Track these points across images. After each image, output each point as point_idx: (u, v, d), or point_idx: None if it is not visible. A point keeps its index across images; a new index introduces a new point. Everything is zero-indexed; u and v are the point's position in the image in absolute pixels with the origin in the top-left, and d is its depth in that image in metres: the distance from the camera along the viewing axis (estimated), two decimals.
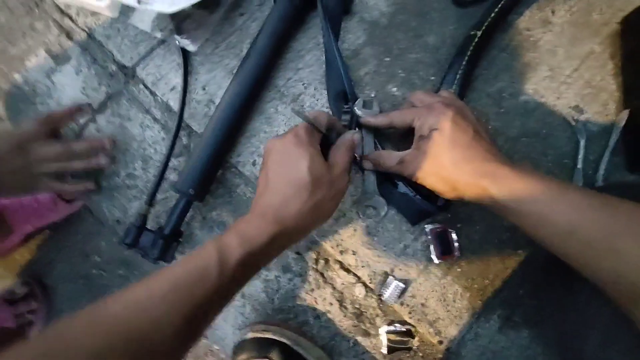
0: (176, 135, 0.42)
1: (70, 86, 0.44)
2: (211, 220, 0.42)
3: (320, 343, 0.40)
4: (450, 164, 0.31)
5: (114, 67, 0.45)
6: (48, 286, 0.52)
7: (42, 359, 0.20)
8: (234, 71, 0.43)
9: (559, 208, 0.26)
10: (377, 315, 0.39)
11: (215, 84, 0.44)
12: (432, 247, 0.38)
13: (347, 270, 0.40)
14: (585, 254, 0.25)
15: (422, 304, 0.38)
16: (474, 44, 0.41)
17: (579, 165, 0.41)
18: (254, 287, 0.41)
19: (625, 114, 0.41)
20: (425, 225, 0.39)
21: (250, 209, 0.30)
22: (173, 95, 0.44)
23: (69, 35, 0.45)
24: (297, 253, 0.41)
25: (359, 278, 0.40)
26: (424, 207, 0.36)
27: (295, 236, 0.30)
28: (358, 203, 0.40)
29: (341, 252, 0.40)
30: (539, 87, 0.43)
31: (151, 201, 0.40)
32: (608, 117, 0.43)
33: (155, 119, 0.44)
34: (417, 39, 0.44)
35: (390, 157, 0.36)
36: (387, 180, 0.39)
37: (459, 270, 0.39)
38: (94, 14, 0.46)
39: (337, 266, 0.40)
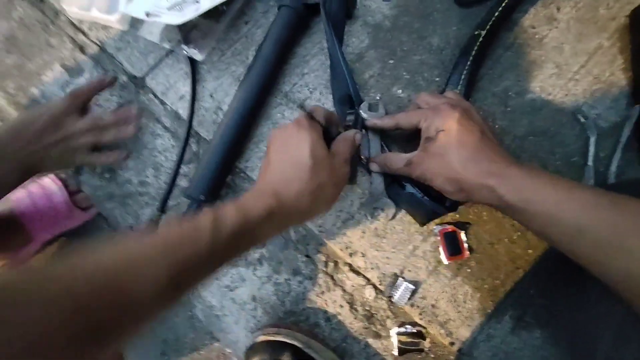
0: (186, 143, 0.43)
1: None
2: None
3: (332, 345, 0.40)
4: (457, 164, 0.31)
5: (124, 78, 0.47)
6: None
7: (21, 287, 0.18)
8: (241, 78, 0.44)
9: (567, 207, 0.26)
10: (388, 317, 0.39)
11: (223, 91, 0.45)
12: (441, 248, 0.38)
13: (357, 273, 0.40)
14: (595, 253, 0.25)
15: (433, 305, 0.38)
16: (478, 43, 0.41)
17: (590, 163, 0.40)
18: (265, 290, 0.42)
19: (637, 109, 0.41)
20: (434, 226, 0.39)
21: (251, 189, 0.30)
22: (182, 103, 0.45)
23: (82, 49, 0.47)
24: (307, 256, 0.42)
25: (368, 280, 0.40)
26: (432, 207, 0.36)
27: (293, 217, 0.29)
28: (366, 205, 0.40)
29: (350, 255, 0.40)
30: (545, 84, 0.43)
31: (163, 207, 0.41)
32: (619, 112, 0.42)
33: (165, 127, 0.45)
34: (421, 41, 0.44)
35: (397, 159, 0.36)
36: (395, 181, 0.39)
37: (468, 270, 0.38)
38: (105, 27, 0.47)
39: (346, 268, 0.41)
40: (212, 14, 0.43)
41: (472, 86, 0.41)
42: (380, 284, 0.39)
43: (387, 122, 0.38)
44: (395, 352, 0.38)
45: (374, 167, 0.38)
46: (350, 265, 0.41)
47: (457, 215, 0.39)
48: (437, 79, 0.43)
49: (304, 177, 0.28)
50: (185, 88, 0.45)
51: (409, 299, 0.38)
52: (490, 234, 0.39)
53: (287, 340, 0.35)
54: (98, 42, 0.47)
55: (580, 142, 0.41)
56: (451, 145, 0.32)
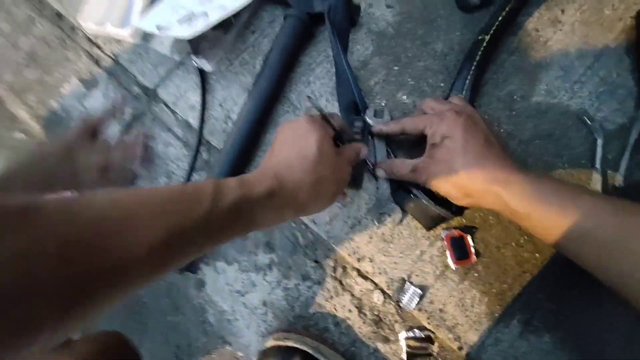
0: (197, 151, 0.44)
1: (99, 109, 0.48)
2: None
3: (341, 349, 0.40)
4: (462, 170, 0.32)
5: (137, 90, 0.48)
6: None
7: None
8: (249, 87, 0.45)
9: (571, 213, 0.26)
10: (396, 322, 0.40)
11: (232, 100, 0.46)
12: (448, 253, 0.38)
13: (365, 277, 0.41)
14: (600, 257, 0.25)
15: (441, 310, 0.38)
16: (482, 48, 0.41)
17: (597, 165, 0.40)
18: (275, 295, 0.42)
19: None
20: (441, 231, 0.39)
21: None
22: (192, 113, 0.46)
23: (97, 63, 0.49)
24: (316, 261, 0.42)
25: (376, 285, 0.40)
26: (438, 212, 0.37)
27: (291, 204, 0.28)
28: (373, 210, 0.41)
29: (358, 260, 0.40)
30: (550, 87, 0.43)
31: None
32: (626, 114, 0.42)
33: (176, 137, 0.47)
34: (425, 47, 0.45)
35: (403, 165, 0.37)
36: (401, 187, 0.39)
37: (476, 275, 0.39)
38: (118, 41, 0.49)
39: (354, 273, 0.41)
40: (220, 25, 0.44)
41: (477, 91, 0.42)
42: (388, 289, 0.40)
43: (392, 127, 0.39)
44: (404, 357, 0.38)
45: (380, 172, 0.39)
46: (358, 270, 0.41)
47: (464, 220, 0.40)
48: (442, 84, 0.44)
49: (308, 166, 0.28)
50: (195, 98, 0.46)
51: (417, 303, 0.38)
52: (497, 238, 0.39)
53: (297, 345, 0.36)
54: (112, 56, 0.49)
55: (587, 144, 0.41)
56: (456, 152, 0.32)
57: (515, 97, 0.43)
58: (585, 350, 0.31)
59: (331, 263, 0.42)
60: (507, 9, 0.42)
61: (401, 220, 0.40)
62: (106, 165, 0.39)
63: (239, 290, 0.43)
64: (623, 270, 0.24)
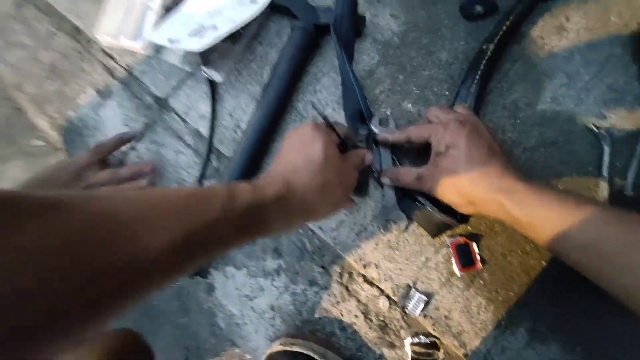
0: (207, 160, 0.46)
1: (113, 119, 0.49)
2: None
3: (348, 354, 0.41)
4: (466, 179, 0.32)
5: (149, 99, 0.50)
6: None
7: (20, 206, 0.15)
8: (257, 97, 0.46)
9: (574, 222, 0.27)
10: (402, 327, 0.40)
11: (241, 110, 0.47)
12: (453, 260, 0.39)
13: (371, 284, 0.42)
14: (602, 267, 0.25)
15: (446, 316, 0.39)
16: (486, 57, 0.41)
17: (604, 173, 0.40)
18: (283, 300, 0.43)
19: None
20: (446, 238, 0.40)
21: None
22: (203, 122, 0.48)
23: (112, 74, 0.51)
24: (322, 267, 0.43)
25: (382, 291, 0.41)
26: (443, 220, 0.37)
27: (300, 209, 0.28)
28: (378, 217, 0.41)
29: (364, 266, 0.41)
30: (556, 95, 0.43)
31: None
32: (634, 121, 0.42)
33: (187, 145, 0.48)
34: (430, 56, 0.45)
35: (408, 174, 0.37)
36: (406, 195, 0.40)
37: (481, 282, 0.39)
38: (132, 53, 0.51)
39: (360, 279, 0.42)
40: (229, 37, 0.46)
41: (481, 99, 0.42)
42: (393, 295, 0.40)
43: (397, 136, 0.39)
44: None
45: (385, 180, 0.40)
46: (364, 276, 0.42)
47: (469, 227, 0.40)
48: (447, 92, 0.44)
49: (314, 171, 0.29)
50: (205, 107, 0.48)
51: (422, 309, 0.39)
52: (502, 246, 0.39)
53: (303, 350, 0.37)
54: (126, 67, 0.51)
55: (594, 152, 0.41)
56: (460, 161, 0.33)
57: (520, 105, 0.43)
58: (591, 355, 0.31)
59: (338, 269, 0.43)
60: (511, 18, 0.42)
61: (407, 228, 0.41)
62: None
63: (248, 295, 0.44)
64: (625, 281, 0.24)
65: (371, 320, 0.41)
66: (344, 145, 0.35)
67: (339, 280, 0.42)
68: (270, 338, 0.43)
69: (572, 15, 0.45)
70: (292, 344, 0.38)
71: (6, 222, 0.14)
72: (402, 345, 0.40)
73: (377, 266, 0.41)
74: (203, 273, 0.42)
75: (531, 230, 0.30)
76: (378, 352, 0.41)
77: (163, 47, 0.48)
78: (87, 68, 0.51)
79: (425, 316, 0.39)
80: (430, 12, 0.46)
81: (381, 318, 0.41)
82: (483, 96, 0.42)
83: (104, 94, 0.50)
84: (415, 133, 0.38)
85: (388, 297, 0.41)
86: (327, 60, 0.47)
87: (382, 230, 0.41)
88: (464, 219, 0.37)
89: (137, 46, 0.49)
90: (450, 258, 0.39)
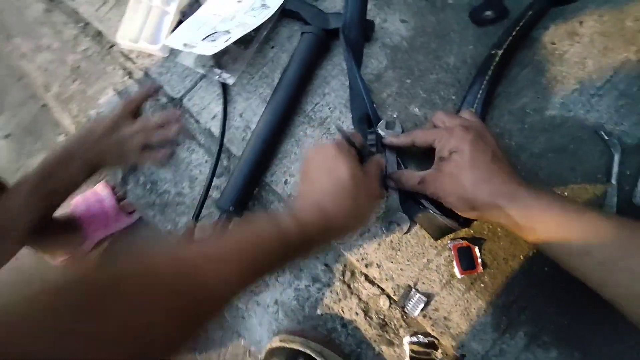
0: (218, 158, 0.48)
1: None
2: None
3: (347, 350, 0.42)
4: (469, 184, 0.33)
5: (165, 99, 0.53)
6: None
7: (126, 281, 0.21)
8: (268, 99, 0.48)
9: (574, 228, 0.27)
10: (401, 326, 0.41)
11: (251, 111, 0.49)
12: (454, 262, 0.39)
13: (372, 283, 0.43)
14: (601, 273, 0.26)
15: (445, 317, 0.39)
16: (494, 63, 0.42)
17: (613, 181, 0.40)
18: (287, 295, 0.45)
19: None
20: (448, 241, 0.40)
21: (295, 203, 0.33)
22: (214, 122, 0.50)
23: (130, 75, 0.53)
24: (326, 265, 0.45)
25: (383, 290, 0.42)
26: (446, 223, 0.38)
27: (335, 231, 0.32)
28: (382, 219, 0.42)
29: (366, 265, 0.42)
30: (566, 101, 0.43)
31: (197, 216, 0.46)
32: None
33: (200, 144, 0.50)
34: (438, 60, 0.46)
35: (412, 177, 0.38)
36: (410, 197, 0.41)
37: (482, 285, 0.39)
38: (149, 55, 0.54)
39: (362, 278, 0.43)
40: (241, 41, 0.48)
41: (488, 105, 0.42)
42: (394, 295, 0.41)
43: (403, 140, 0.40)
44: None
45: (390, 183, 0.41)
46: (366, 276, 0.43)
47: (472, 231, 0.40)
48: (454, 97, 0.45)
49: (345, 194, 0.31)
50: (217, 108, 0.50)
51: (422, 310, 0.39)
52: (504, 251, 0.40)
53: (301, 348, 0.39)
54: (143, 69, 0.54)
55: (603, 159, 0.41)
56: (463, 166, 0.33)
57: (528, 110, 0.43)
58: None
59: (340, 267, 0.44)
60: (521, 23, 0.42)
61: (409, 229, 0.41)
62: (146, 143, 0.45)
63: (253, 290, 0.46)
64: (623, 288, 0.24)
65: (371, 318, 0.42)
66: (360, 154, 0.36)
67: (341, 278, 0.44)
68: (273, 331, 0.45)
69: (586, 19, 0.45)
70: (291, 342, 0.39)
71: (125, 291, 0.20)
72: (401, 344, 0.41)
73: (378, 266, 0.42)
74: None
75: (532, 235, 0.30)
76: (377, 349, 0.42)
77: (178, 50, 0.50)
78: (108, 70, 0.54)
79: (424, 316, 0.40)
80: (440, 17, 0.47)
81: (381, 316, 0.42)
82: (490, 102, 0.42)
83: (123, 94, 0.53)
84: (420, 137, 0.38)
85: (389, 296, 0.42)
86: (336, 64, 0.49)
87: (384, 231, 0.42)
88: (466, 222, 0.38)
89: (155, 49, 0.52)
90: (452, 261, 0.40)
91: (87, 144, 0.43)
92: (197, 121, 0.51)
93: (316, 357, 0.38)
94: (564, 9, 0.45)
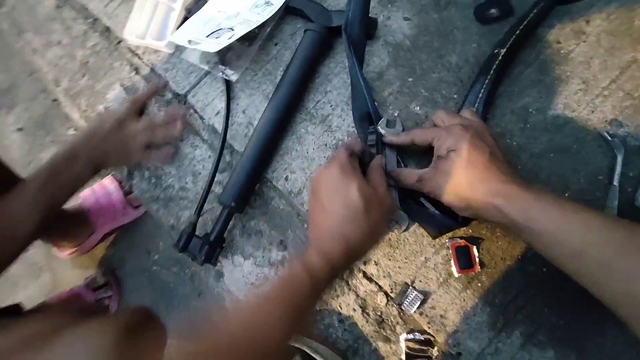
0: (220, 154, 0.48)
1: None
2: (250, 228, 0.48)
3: (344, 345, 0.43)
4: (466, 183, 0.33)
5: (170, 95, 0.54)
6: (119, 277, 0.62)
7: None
8: (270, 96, 0.48)
9: (571, 228, 0.27)
10: (398, 323, 0.42)
11: (254, 108, 0.50)
12: (452, 261, 0.40)
13: (370, 280, 0.43)
14: (597, 273, 0.26)
15: (441, 315, 0.39)
16: (497, 62, 0.41)
17: (615, 183, 0.39)
18: None
19: None
20: (446, 240, 0.41)
21: (314, 234, 0.34)
22: (218, 118, 0.50)
23: (137, 71, 0.55)
24: None
25: (380, 287, 0.42)
26: (444, 222, 0.38)
27: (358, 255, 0.34)
28: None
29: (364, 262, 0.43)
30: (569, 101, 0.42)
31: (200, 211, 0.47)
32: None
33: (203, 140, 0.51)
34: (440, 59, 0.46)
35: (410, 175, 0.38)
36: (409, 196, 0.41)
37: (479, 284, 0.39)
38: (155, 51, 0.54)
39: (360, 275, 0.44)
40: (245, 38, 0.48)
41: (490, 104, 0.42)
42: (391, 292, 0.41)
43: (402, 139, 0.40)
44: (403, 357, 0.40)
45: (389, 181, 0.41)
46: (364, 272, 0.43)
47: (470, 231, 0.40)
48: (455, 95, 0.44)
49: (360, 216, 0.32)
50: (220, 105, 0.51)
51: (418, 307, 0.40)
52: (502, 250, 0.40)
53: (297, 345, 0.40)
54: (149, 64, 0.55)
55: (606, 161, 0.40)
56: (461, 165, 0.34)
57: (530, 110, 0.43)
58: None
59: None
60: (525, 22, 0.42)
61: (408, 227, 0.42)
62: (150, 141, 0.46)
63: (254, 283, 0.47)
64: (618, 287, 0.24)
65: (368, 315, 0.43)
66: (362, 161, 0.37)
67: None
68: None
69: (593, 18, 0.44)
70: None
71: None
72: (397, 341, 0.41)
73: (376, 263, 0.42)
74: (212, 262, 0.45)
75: (528, 234, 0.30)
76: (374, 345, 0.42)
77: (184, 47, 0.51)
78: (115, 65, 0.55)
79: (421, 314, 0.40)
80: (443, 15, 0.46)
81: (378, 313, 0.42)
82: (492, 101, 0.42)
83: (129, 89, 0.54)
84: (419, 136, 0.39)
85: (386, 293, 0.42)
86: (338, 62, 0.49)
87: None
88: (465, 221, 0.38)
89: (161, 45, 0.53)
90: (450, 260, 0.40)
91: (92, 143, 0.44)
92: (201, 117, 0.52)
93: (312, 354, 0.39)
94: (570, 7, 0.44)
